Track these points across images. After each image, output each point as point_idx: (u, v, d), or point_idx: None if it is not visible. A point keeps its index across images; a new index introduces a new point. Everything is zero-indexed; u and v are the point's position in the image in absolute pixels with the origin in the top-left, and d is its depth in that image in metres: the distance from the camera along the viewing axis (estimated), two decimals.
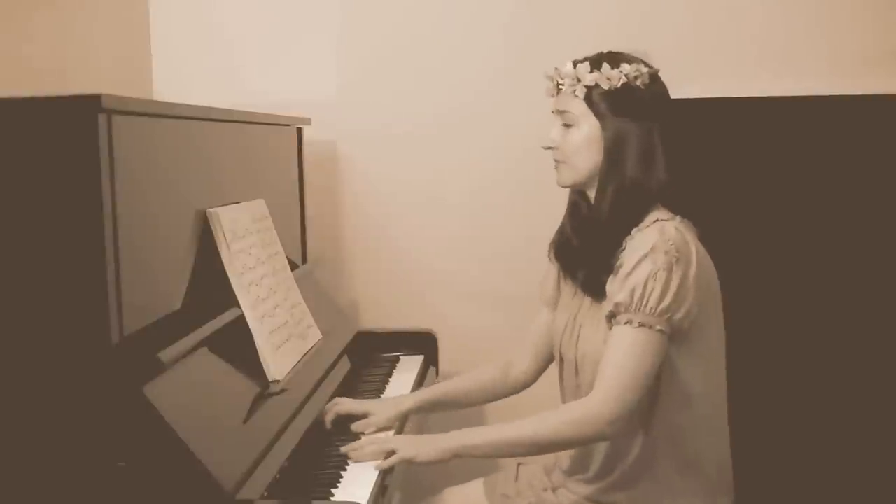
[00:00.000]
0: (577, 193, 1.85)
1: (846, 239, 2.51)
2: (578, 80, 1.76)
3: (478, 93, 2.71)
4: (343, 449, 1.76)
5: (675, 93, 1.84)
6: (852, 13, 2.59)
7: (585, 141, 1.76)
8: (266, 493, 1.51)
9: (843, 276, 2.52)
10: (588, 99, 1.75)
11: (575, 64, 1.77)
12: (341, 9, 2.73)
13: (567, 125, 1.78)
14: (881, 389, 2.51)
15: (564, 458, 1.89)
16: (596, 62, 1.76)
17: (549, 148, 1.81)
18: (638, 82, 1.74)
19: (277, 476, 1.58)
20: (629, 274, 1.67)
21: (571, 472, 1.86)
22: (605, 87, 1.74)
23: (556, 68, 1.80)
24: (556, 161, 1.81)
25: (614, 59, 1.76)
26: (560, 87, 1.78)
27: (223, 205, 1.83)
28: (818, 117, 2.51)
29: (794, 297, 2.53)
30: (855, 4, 2.59)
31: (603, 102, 1.74)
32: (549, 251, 1.91)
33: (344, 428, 1.90)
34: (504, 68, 2.68)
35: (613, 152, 1.74)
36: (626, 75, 1.74)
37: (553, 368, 1.96)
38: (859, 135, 2.50)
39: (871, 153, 2.50)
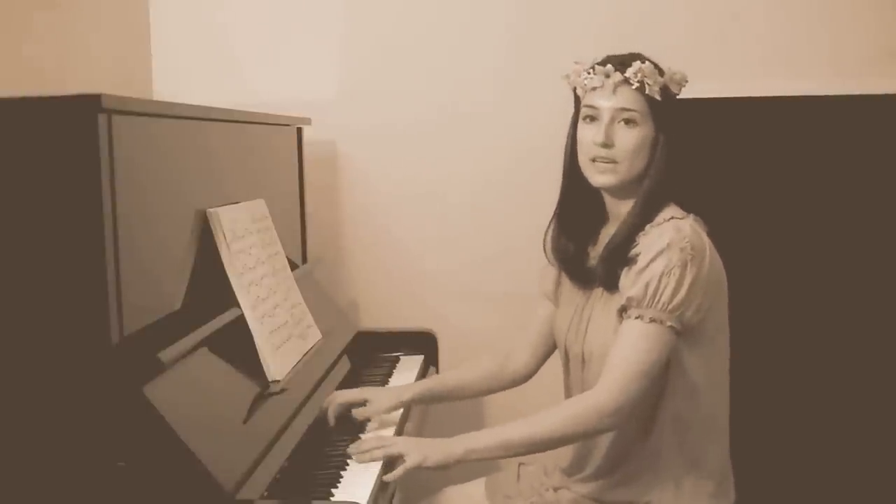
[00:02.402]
0: (582, 191, 1.83)
1: (848, 239, 2.51)
2: (652, 80, 1.72)
3: (478, 92, 2.71)
4: (349, 450, 1.75)
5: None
6: (854, 13, 2.59)
7: (645, 141, 1.74)
8: (266, 493, 1.51)
9: (844, 276, 2.52)
10: (651, 99, 1.73)
11: (644, 61, 1.73)
12: (341, 9, 2.73)
13: (629, 123, 1.73)
14: (882, 388, 2.51)
15: (564, 457, 1.89)
16: (651, 62, 1.74)
17: (606, 147, 1.73)
18: (680, 87, 1.77)
19: (277, 476, 1.58)
20: (644, 269, 1.68)
21: (571, 472, 1.86)
22: (674, 89, 1.76)
23: (634, 63, 1.72)
24: (604, 161, 1.74)
25: (646, 58, 1.76)
26: (630, 83, 1.72)
27: (223, 205, 1.83)
28: (819, 117, 2.51)
29: (795, 297, 2.53)
30: (856, 4, 2.59)
31: (662, 105, 1.74)
32: (548, 252, 1.91)
33: (344, 428, 1.90)
34: (504, 68, 2.69)
35: (665, 157, 1.74)
36: (678, 81, 1.76)
37: (554, 362, 1.96)
38: (861, 135, 2.50)
39: (873, 153, 2.50)
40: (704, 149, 2.48)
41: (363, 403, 1.94)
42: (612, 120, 1.74)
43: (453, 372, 2.06)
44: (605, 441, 1.78)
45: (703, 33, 2.63)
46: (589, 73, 1.77)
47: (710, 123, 2.50)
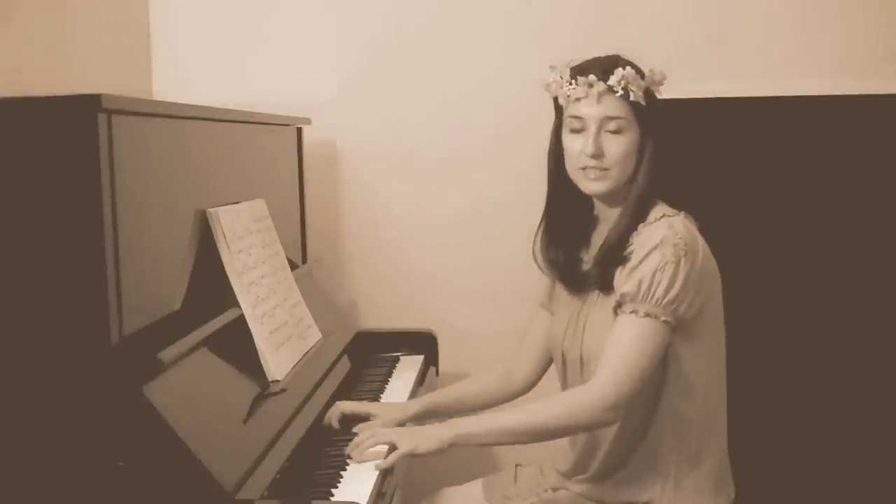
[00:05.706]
0: (570, 197, 1.83)
1: (851, 239, 2.51)
2: (636, 86, 1.71)
3: (477, 94, 2.70)
4: (347, 450, 1.75)
5: (677, 93, 1.84)
6: (857, 13, 2.59)
7: (632, 148, 1.74)
8: (266, 493, 1.51)
9: (848, 277, 2.52)
10: (635, 104, 1.72)
11: (624, 66, 1.71)
12: (341, 9, 2.73)
13: (616, 132, 1.72)
14: (879, 386, 2.51)
15: (564, 460, 1.89)
16: (631, 65, 1.73)
17: (596, 157, 1.72)
18: (660, 87, 1.76)
19: (277, 476, 1.58)
20: (637, 265, 1.68)
21: (571, 474, 1.86)
22: (655, 91, 1.74)
23: (616, 70, 1.70)
24: (596, 170, 1.73)
25: (625, 62, 1.75)
26: (614, 91, 1.70)
27: (223, 205, 1.83)
28: (822, 117, 2.51)
29: (798, 298, 2.53)
30: (860, 4, 2.59)
31: (646, 108, 1.73)
32: (539, 261, 1.90)
33: (345, 428, 1.90)
34: (504, 68, 2.68)
35: (653, 159, 1.74)
36: (658, 81, 1.75)
37: (553, 369, 1.96)
38: (864, 135, 2.50)
39: (876, 154, 2.50)
40: (706, 149, 2.49)
41: (367, 416, 1.93)
42: (599, 129, 1.73)
43: (457, 386, 2.06)
44: (605, 443, 1.78)
45: (705, 33, 2.62)
46: (571, 84, 1.74)
47: (711, 123, 2.50)
